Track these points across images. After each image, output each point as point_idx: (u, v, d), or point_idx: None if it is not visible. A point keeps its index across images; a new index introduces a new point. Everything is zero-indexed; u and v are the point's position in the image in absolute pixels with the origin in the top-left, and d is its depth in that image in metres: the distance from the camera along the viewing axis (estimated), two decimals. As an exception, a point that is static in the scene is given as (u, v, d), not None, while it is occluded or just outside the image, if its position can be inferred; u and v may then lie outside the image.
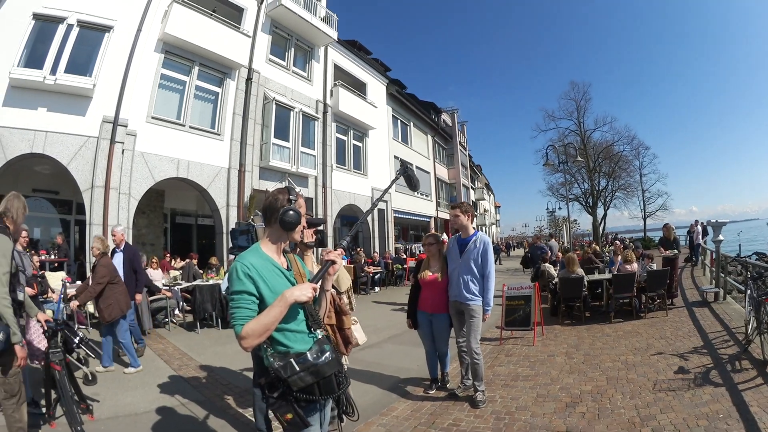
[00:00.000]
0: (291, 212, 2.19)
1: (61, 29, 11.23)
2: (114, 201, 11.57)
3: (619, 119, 60.56)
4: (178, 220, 17.54)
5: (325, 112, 19.16)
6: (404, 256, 20.98)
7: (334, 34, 19.29)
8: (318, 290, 2.19)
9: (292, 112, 16.88)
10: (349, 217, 22.40)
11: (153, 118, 12.90)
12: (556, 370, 6.00)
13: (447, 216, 32.69)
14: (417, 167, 27.52)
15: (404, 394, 5.39)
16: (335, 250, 2.32)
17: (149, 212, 15.55)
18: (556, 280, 10.24)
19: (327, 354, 2.16)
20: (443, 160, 34.28)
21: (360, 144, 21.81)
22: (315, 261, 4.08)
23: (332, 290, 3.28)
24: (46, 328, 4.23)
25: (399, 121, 26.00)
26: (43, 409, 4.51)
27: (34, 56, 10.98)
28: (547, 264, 11.93)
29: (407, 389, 5.54)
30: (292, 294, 2.05)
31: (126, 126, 11.96)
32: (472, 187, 42.48)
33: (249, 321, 2.00)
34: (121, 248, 7.40)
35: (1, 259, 3.39)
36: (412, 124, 27.57)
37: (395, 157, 24.52)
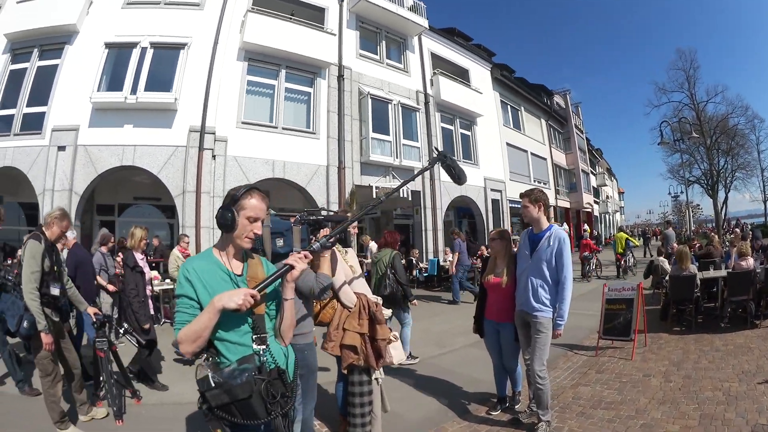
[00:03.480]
0: (224, 212, 1.91)
1: (136, 53, 11.46)
2: (207, 204, 11.32)
3: (730, 88, 49.56)
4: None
5: (426, 102, 16.73)
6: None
7: (424, 22, 16.92)
8: (260, 298, 1.86)
9: (390, 105, 14.97)
10: (464, 208, 19.83)
11: (243, 123, 12.41)
12: (647, 396, 4.65)
13: (567, 204, 28.31)
14: (532, 153, 23.79)
15: (463, 412, 4.46)
16: (303, 252, 1.98)
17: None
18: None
19: (245, 374, 1.76)
20: (560, 144, 29.67)
21: (468, 133, 18.93)
22: (349, 262, 3.62)
23: (367, 297, 3.45)
24: (95, 319, 4.38)
25: (508, 106, 22.57)
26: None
27: (113, 80, 11.47)
28: (661, 258, 9.92)
29: (469, 407, 4.59)
30: (220, 300, 1.76)
31: (214, 133, 11.71)
32: (592, 172, 36.75)
33: (184, 326, 1.79)
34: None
35: (30, 260, 3.73)
36: (522, 108, 23.88)
37: (508, 144, 21.23)
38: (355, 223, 4.02)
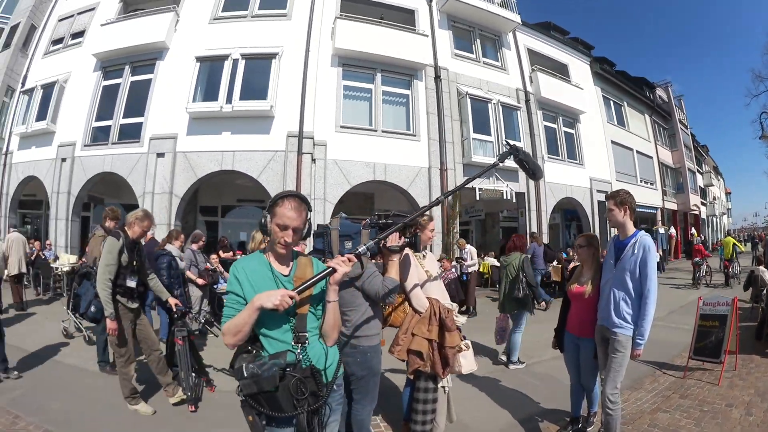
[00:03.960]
0: (262, 218, 2.05)
1: (228, 64, 11.90)
2: (312, 205, 10.19)
3: None
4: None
5: (527, 101, 15.59)
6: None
7: (516, 18, 15.89)
8: (298, 299, 1.92)
9: (489, 105, 14.19)
10: (571, 211, 18.37)
11: (342, 127, 12.43)
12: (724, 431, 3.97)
13: (674, 206, 25.51)
14: (638, 151, 21.56)
15: (533, 429, 4.11)
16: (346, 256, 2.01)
17: (358, 215, 13.91)
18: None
19: (273, 368, 1.85)
20: (665, 141, 26.73)
21: (572, 131, 17.44)
22: (425, 266, 3.53)
23: (440, 303, 3.35)
24: (175, 310, 4.67)
25: (611, 101, 20.64)
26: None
27: (207, 90, 12.03)
28: (762, 267, 8.96)
29: (541, 424, 4.22)
30: (259, 299, 1.85)
31: (312, 138, 11.82)
32: (698, 170, 33.05)
33: (229, 320, 1.94)
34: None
35: (107, 255, 4.14)
36: (625, 103, 21.78)
37: (613, 142, 19.29)
38: (432, 229, 3.67)
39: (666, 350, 6.49)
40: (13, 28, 17.48)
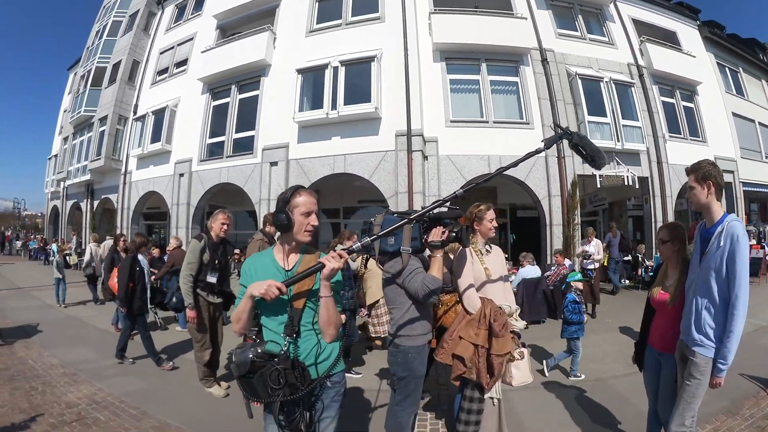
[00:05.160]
0: (278, 215, 2.06)
1: (328, 73, 11.89)
2: (419, 203, 10.87)
3: None
4: (519, 215, 15.35)
5: (640, 75, 13.89)
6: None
7: None
8: (283, 290, 1.91)
9: (601, 83, 12.81)
10: None
11: (452, 121, 11.93)
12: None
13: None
14: (760, 123, 18.79)
15: None
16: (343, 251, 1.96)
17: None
18: None
19: (247, 355, 1.90)
20: (786, 109, 23.40)
21: (691, 105, 15.33)
22: (485, 263, 3.18)
23: (492, 304, 3.02)
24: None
25: (726, 69, 18.08)
26: None
27: (312, 99, 12.15)
28: None
29: None
30: (251, 287, 1.95)
31: (421, 135, 11.35)
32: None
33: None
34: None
35: (189, 254, 4.51)
36: (741, 69, 19.03)
37: (734, 115, 16.86)
38: (491, 219, 3.25)
39: None
40: (116, 65, 18.97)
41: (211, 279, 4.61)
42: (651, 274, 11.77)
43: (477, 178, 2.17)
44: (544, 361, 5.37)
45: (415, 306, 2.86)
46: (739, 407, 4.17)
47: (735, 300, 2.38)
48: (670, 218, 13.12)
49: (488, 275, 3.14)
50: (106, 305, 9.40)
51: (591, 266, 9.25)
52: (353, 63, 11.88)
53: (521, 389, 4.82)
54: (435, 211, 2.44)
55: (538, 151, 2.33)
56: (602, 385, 4.95)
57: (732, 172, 15.81)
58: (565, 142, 2.45)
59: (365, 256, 3.55)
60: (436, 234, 2.69)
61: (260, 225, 8.36)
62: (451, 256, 3.48)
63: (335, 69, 11.85)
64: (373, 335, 5.99)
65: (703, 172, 2.55)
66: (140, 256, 6.23)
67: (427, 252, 2.93)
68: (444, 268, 2.93)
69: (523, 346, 3.21)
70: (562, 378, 5.21)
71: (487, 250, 3.27)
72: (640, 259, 12.28)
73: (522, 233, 14.58)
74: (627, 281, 12.14)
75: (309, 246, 2.22)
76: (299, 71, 12.24)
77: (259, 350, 1.90)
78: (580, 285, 5.39)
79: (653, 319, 3.05)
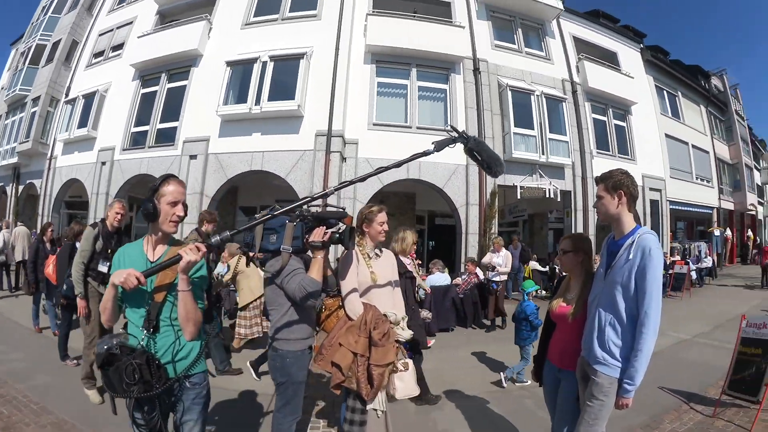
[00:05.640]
0: (145, 204, 1.99)
1: (257, 67, 11.51)
2: (342, 205, 9.97)
3: None
4: (438, 222, 15.21)
5: (574, 92, 13.93)
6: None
7: (559, 4, 14.42)
8: (142, 280, 1.82)
9: (532, 96, 12.71)
10: None
11: (375, 124, 11.66)
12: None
13: (731, 206, 22.75)
14: (693, 146, 19.21)
15: None
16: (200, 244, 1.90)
17: (399, 214, 13.72)
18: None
19: (101, 346, 1.84)
20: (721, 135, 23.76)
21: (623, 123, 15.53)
22: (372, 267, 3.03)
23: (375, 310, 2.87)
24: None
25: (664, 92, 18.42)
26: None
27: (238, 94, 11.75)
28: None
29: None
30: (114, 276, 1.86)
31: (342, 136, 11.10)
32: (756, 167, 29.62)
33: None
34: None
35: (83, 242, 4.39)
36: (680, 93, 19.43)
37: (667, 136, 17.17)
38: (382, 222, 3.05)
39: (700, 377, 5.25)
40: (56, 44, 18.07)
41: (102, 268, 4.41)
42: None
43: (360, 177, 1.98)
44: (501, 374, 5.20)
45: (294, 308, 2.70)
46: (659, 422, 4.08)
47: (644, 318, 2.18)
48: (591, 232, 13.14)
49: (374, 280, 2.97)
50: (19, 298, 9.25)
51: (497, 278, 8.73)
52: (282, 59, 11.50)
53: (459, 397, 4.66)
54: (319, 210, 2.39)
55: (425, 153, 2.21)
56: (507, 396, 4.85)
57: (660, 190, 16.09)
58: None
59: (246, 254, 3.42)
60: (318, 234, 2.55)
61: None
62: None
63: (264, 64, 11.46)
64: (237, 336, 5.93)
65: (615, 181, 2.34)
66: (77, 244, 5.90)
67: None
68: (328, 271, 2.85)
69: (410, 356, 3.07)
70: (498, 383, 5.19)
71: (376, 254, 3.11)
72: (557, 270, 12.24)
73: (439, 240, 14.47)
74: (544, 292, 12.08)
75: (175, 239, 2.17)
76: (229, 63, 11.81)
77: (115, 342, 1.84)
78: (534, 292, 5.53)
79: (553, 333, 2.84)
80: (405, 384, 2.92)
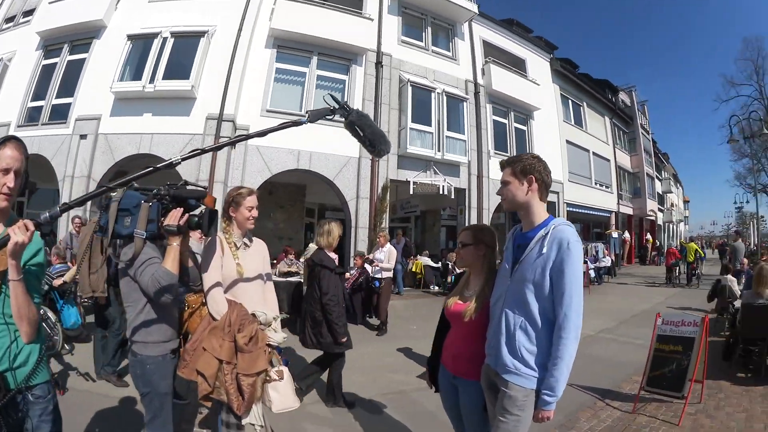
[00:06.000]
0: None
1: (157, 43, 10.95)
2: (219, 194, 9.67)
3: None
4: (328, 216, 14.77)
5: (476, 93, 14.33)
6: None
7: (474, 7, 14.63)
8: None
9: (433, 94, 12.90)
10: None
11: (268, 111, 11.14)
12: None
13: (630, 211, 24.45)
14: (594, 153, 20.42)
15: None
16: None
17: (288, 206, 13.70)
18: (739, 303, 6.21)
19: None
20: (624, 145, 25.44)
21: (524, 127, 16.19)
22: (239, 258, 2.61)
23: (241, 309, 2.48)
24: None
25: (569, 101, 19.47)
26: None
27: (134, 70, 11.07)
28: (730, 276, 7.80)
29: None
30: None
31: (233, 121, 10.59)
32: (657, 177, 31.87)
33: None
34: None
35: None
36: (585, 104, 20.61)
37: (568, 142, 18.18)
38: (251, 207, 2.66)
39: (611, 373, 5.19)
40: None
41: None
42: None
43: (215, 146, 1.81)
44: None
45: (151, 305, 2.30)
46: (575, 420, 3.92)
47: (563, 320, 1.85)
48: (486, 221, 13.69)
49: (241, 273, 2.59)
50: None
51: (379, 275, 8.06)
52: (183, 36, 10.95)
53: (357, 401, 4.26)
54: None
55: (297, 123, 1.89)
56: (404, 398, 4.47)
57: (557, 192, 16.96)
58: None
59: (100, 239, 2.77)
60: (174, 217, 2.15)
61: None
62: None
63: (164, 40, 10.84)
64: None
65: (524, 165, 2.01)
66: None
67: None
68: (189, 261, 2.47)
69: (286, 364, 2.64)
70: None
71: (245, 244, 2.70)
72: (450, 266, 12.57)
73: None
74: (437, 287, 12.44)
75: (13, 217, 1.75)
76: (130, 37, 11.12)
77: None
78: None
79: (447, 334, 2.46)
80: (281, 395, 2.51)
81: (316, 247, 4.43)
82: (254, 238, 2.80)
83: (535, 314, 1.92)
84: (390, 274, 8.33)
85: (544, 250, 1.89)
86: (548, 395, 1.87)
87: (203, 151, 1.99)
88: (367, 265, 8.59)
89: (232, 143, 2.08)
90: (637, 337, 6.61)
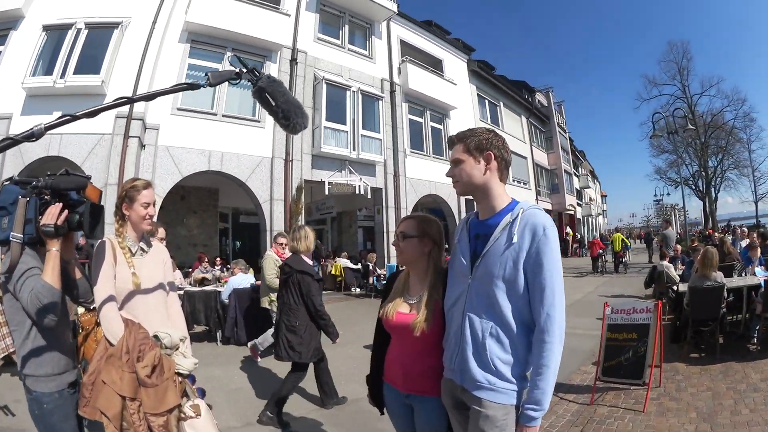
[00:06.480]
0: None
1: (70, 34, 10.13)
2: None
3: (727, 79, 45.08)
4: (242, 220, 14.67)
5: (392, 92, 14.52)
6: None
7: (393, 7, 14.77)
8: None
9: (348, 92, 12.84)
10: (437, 210, 16.92)
11: (179, 109, 10.63)
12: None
13: (549, 206, 25.84)
14: (511, 151, 21.29)
15: None
16: None
17: (201, 211, 13.10)
18: (679, 287, 6.27)
19: None
20: (541, 144, 27.06)
21: (440, 126, 16.67)
22: (136, 267, 2.13)
23: (140, 330, 2.03)
24: None
25: (486, 100, 20.26)
26: None
27: (46, 65, 10.19)
28: (665, 263, 8.11)
29: None
30: None
31: (142, 120, 9.95)
32: (575, 173, 34.32)
33: None
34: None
35: None
36: (501, 104, 21.56)
37: (484, 140, 18.79)
38: (147, 204, 2.20)
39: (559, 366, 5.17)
40: None
41: None
42: (384, 282, 12.17)
43: (88, 111, 1.33)
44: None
45: (38, 329, 1.82)
46: None
47: (546, 321, 1.51)
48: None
49: (137, 284, 2.11)
50: None
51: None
52: (97, 27, 10.13)
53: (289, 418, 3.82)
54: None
55: (193, 86, 1.44)
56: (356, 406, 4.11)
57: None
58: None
59: None
60: (51, 214, 1.71)
61: None
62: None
63: (78, 31, 10.01)
64: None
65: (479, 140, 1.65)
66: None
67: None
68: (77, 272, 1.96)
69: (202, 395, 2.17)
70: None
71: (141, 249, 2.23)
72: (370, 267, 12.62)
73: (246, 240, 14.21)
74: (358, 289, 12.47)
75: None
76: (45, 28, 10.17)
77: None
78: None
79: (389, 348, 1.99)
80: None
81: (291, 252, 4.13)
82: (154, 243, 2.37)
83: (508, 317, 1.58)
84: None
85: (515, 239, 1.55)
86: (534, 410, 1.53)
87: (74, 117, 1.49)
88: None
89: (112, 106, 1.53)
90: (576, 327, 6.39)
